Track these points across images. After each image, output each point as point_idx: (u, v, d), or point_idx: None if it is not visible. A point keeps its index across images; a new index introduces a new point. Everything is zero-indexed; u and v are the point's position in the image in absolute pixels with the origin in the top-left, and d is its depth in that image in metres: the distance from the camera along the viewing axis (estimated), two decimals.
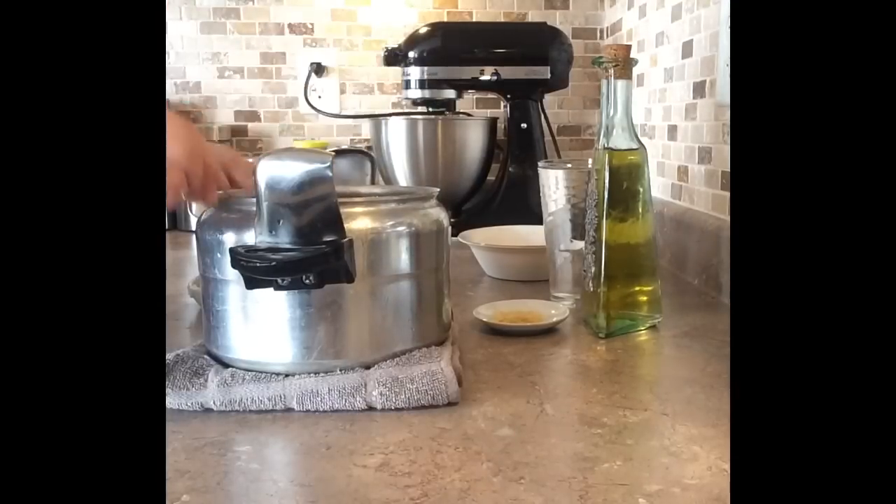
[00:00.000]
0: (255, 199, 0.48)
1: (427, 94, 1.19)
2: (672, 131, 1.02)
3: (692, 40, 0.94)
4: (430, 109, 1.23)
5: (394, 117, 1.23)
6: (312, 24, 1.43)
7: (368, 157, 1.28)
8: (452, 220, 0.94)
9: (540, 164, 0.79)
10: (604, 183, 0.65)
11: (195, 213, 1.26)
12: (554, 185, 0.76)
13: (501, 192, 1.20)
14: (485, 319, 0.68)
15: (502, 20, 1.43)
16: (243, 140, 1.46)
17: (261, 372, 0.51)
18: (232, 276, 0.50)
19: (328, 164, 0.48)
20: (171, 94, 1.43)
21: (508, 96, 1.21)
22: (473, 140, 1.20)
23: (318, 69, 1.43)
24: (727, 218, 0.82)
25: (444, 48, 1.18)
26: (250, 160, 0.60)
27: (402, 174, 1.21)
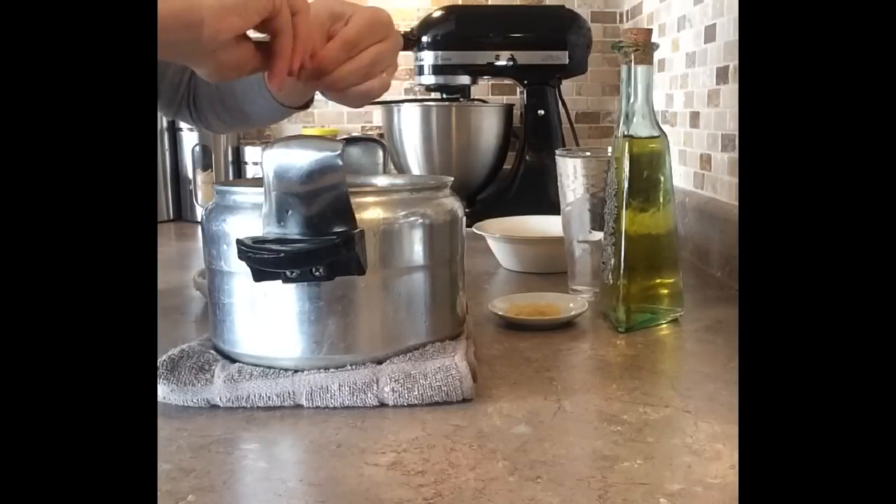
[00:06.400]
0: (262, 189, 0.48)
1: (441, 79, 1.18)
2: (694, 118, 1.00)
3: (715, 24, 0.92)
4: (444, 96, 1.22)
5: (406, 104, 1.22)
6: None
7: (380, 144, 1.26)
8: (467, 210, 0.92)
9: (557, 152, 0.78)
10: (623, 172, 0.65)
11: (201, 203, 1.26)
12: (572, 174, 0.75)
13: (518, 182, 1.19)
14: (500, 313, 0.67)
15: (518, 3, 1.42)
16: None
17: (269, 367, 0.51)
18: (239, 268, 0.49)
19: (338, 152, 0.47)
20: None
21: (525, 82, 1.19)
22: (489, 127, 1.19)
23: None
24: None
25: (459, 32, 1.16)
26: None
27: (414, 163, 1.20)
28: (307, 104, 0.69)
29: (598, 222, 0.72)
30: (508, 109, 1.22)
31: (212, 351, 0.53)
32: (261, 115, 0.72)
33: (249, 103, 0.70)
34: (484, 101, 1.31)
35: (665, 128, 0.69)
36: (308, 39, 0.50)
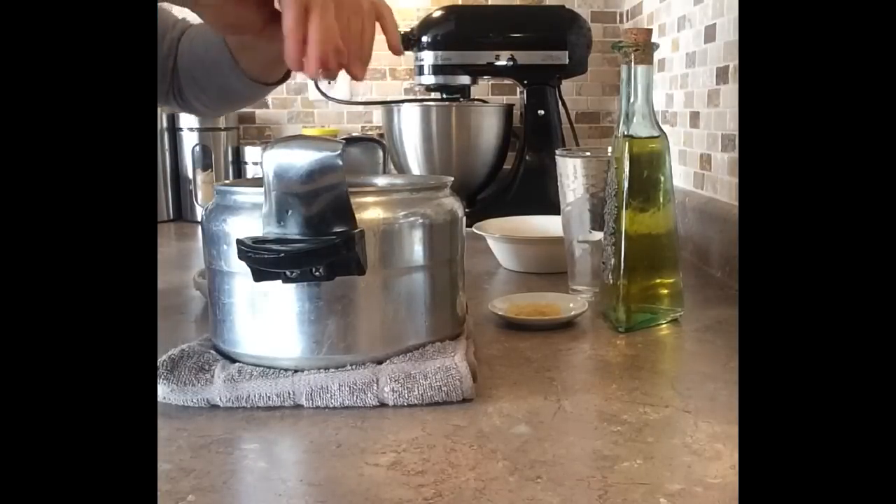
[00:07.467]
0: (262, 189, 0.47)
1: (441, 79, 1.18)
2: (694, 118, 1.00)
3: (715, 24, 0.92)
4: (444, 96, 1.22)
5: (406, 104, 1.22)
6: None
7: (380, 145, 1.27)
8: (467, 210, 0.92)
9: (557, 152, 0.78)
10: (623, 172, 0.64)
11: (201, 203, 1.26)
12: (572, 174, 0.75)
13: (517, 182, 1.19)
14: (500, 313, 0.67)
15: (518, 3, 1.41)
16: (250, 127, 1.45)
17: (269, 367, 0.50)
18: (239, 268, 0.49)
19: (338, 152, 0.47)
20: None
21: (525, 82, 1.19)
22: (489, 127, 1.19)
23: None
24: None
25: (459, 32, 1.16)
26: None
27: (414, 163, 1.20)
28: (284, 77, 0.69)
29: (598, 222, 0.72)
30: (508, 109, 1.22)
31: (212, 351, 0.53)
32: (240, 93, 0.72)
33: (224, 83, 0.71)
34: (484, 101, 1.31)
35: (665, 128, 0.69)
36: (328, 39, 0.51)
